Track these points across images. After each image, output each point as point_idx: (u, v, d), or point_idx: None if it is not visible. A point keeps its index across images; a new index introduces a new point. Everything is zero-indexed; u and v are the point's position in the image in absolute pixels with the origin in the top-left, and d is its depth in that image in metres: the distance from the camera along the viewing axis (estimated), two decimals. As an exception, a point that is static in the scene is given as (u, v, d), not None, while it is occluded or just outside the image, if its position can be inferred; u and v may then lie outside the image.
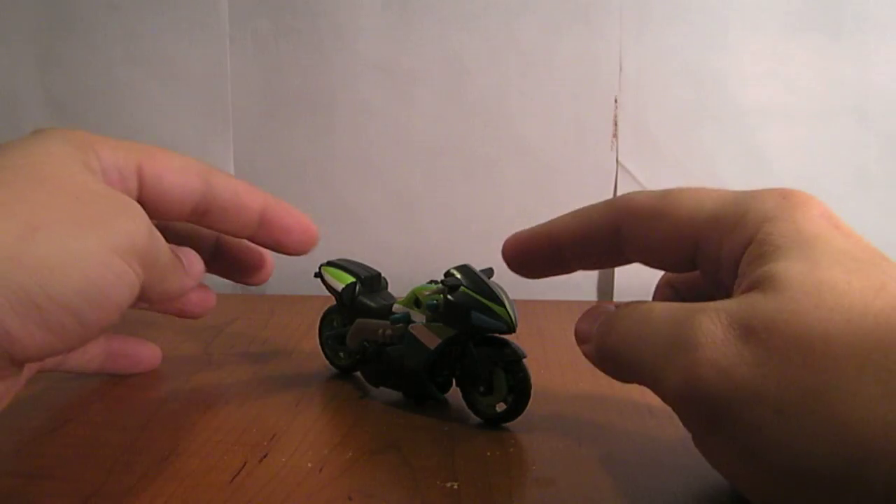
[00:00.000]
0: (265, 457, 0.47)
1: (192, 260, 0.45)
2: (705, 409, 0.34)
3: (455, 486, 0.43)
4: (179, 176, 0.43)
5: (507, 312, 0.49)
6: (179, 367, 0.63)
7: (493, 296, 0.50)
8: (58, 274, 0.32)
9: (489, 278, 0.52)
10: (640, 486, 0.44)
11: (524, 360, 0.50)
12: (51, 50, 0.90)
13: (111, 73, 0.90)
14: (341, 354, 0.62)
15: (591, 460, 0.47)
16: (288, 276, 0.91)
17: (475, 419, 0.52)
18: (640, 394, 0.58)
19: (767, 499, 0.33)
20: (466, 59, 0.88)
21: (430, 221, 0.91)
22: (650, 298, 0.88)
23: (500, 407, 0.51)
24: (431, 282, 0.54)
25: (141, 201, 0.42)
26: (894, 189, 0.87)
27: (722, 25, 0.85)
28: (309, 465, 0.46)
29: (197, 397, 0.57)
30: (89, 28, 0.90)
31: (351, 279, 0.59)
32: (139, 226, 0.37)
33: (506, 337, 0.51)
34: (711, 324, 0.34)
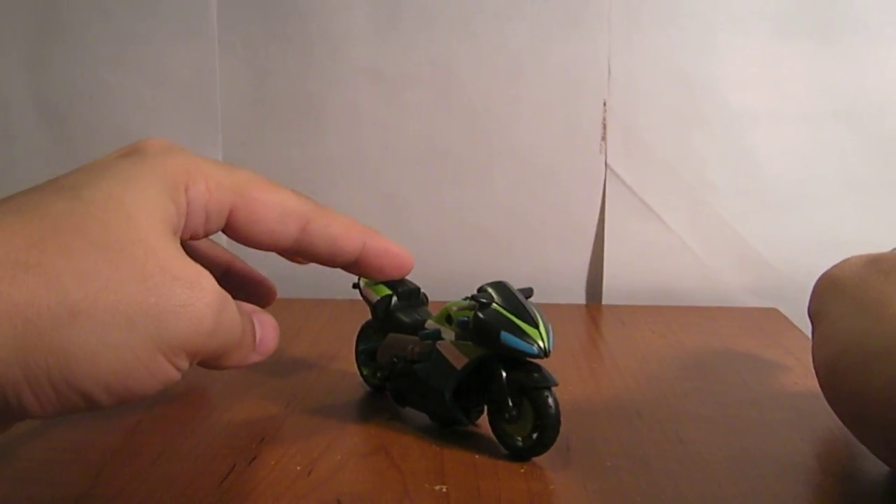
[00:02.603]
0: (254, 460, 0.47)
1: (268, 333, 0.42)
2: None
3: (444, 489, 0.43)
4: (274, 223, 0.40)
5: (541, 335, 0.45)
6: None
7: (527, 316, 0.46)
8: (86, 366, 0.31)
9: (527, 298, 0.48)
10: (630, 490, 0.44)
11: (554, 389, 0.46)
12: (40, 54, 0.90)
13: (101, 77, 0.90)
14: (373, 371, 0.59)
15: (580, 464, 0.47)
16: (277, 279, 0.91)
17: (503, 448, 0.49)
18: (629, 397, 0.58)
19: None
20: (456, 63, 0.88)
21: (420, 225, 0.91)
22: (638, 302, 0.88)
23: (529, 439, 0.47)
24: (466, 298, 0.49)
25: (224, 233, 0.40)
26: (883, 192, 0.87)
27: (711, 29, 0.85)
28: (298, 468, 0.46)
29: (186, 401, 0.57)
30: (79, 32, 0.89)
31: (387, 292, 0.56)
32: (203, 323, 0.34)
33: (539, 362, 0.47)
34: None
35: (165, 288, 0.33)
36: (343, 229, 0.43)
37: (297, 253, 0.43)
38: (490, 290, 0.48)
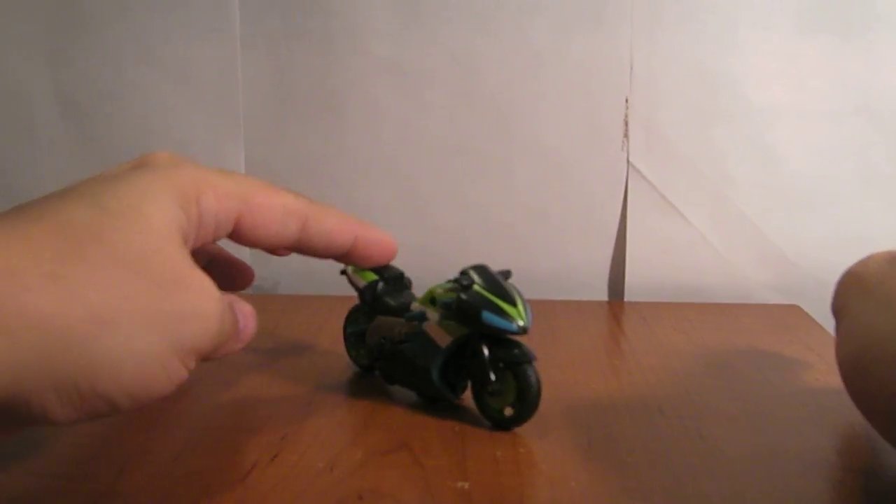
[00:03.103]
0: (276, 456, 0.47)
1: (248, 322, 0.43)
2: None
3: (466, 486, 0.44)
4: (277, 226, 0.42)
5: (520, 313, 0.49)
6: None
7: (507, 296, 0.49)
8: (111, 373, 0.32)
9: (506, 279, 0.51)
10: (651, 487, 0.44)
11: (534, 364, 0.50)
12: (62, 50, 0.91)
13: (122, 73, 0.91)
14: (362, 352, 0.62)
15: (601, 461, 0.47)
16: (300, 275, 0.92)
17: (486, 420, 0.52)
18: (651, 393, 0.58)
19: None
20: (478, 59, 0.88)
21: (441, 220, 0.91)
22: (660, 299, 0.88)
23: (508, 411, 0.51)
24: (450, 281, 0.53)
25: (231, 238, 0.41)
26: (905, 188, 0.87)
27: (732, 25, 0.85)
28: (320, 464, 0.46)
29: (208, 397, 0.57)
30: (100, 28, 0.90)
31: (374, 277, 0.59)
32: (212, 326, 0.36)
33: (519, 339, 0.50)
34: None
35: (179, 296, 0.35)
36: (337, 224, 0.45)
37: (296, 250, 0.45)
38: (472, 272, 0.51)
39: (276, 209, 0.42)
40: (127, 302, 0.33)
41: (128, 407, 0.33)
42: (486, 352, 0.50)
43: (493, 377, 0.50)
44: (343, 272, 0.61)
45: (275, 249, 0.45)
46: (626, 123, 0.87)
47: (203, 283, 0.36)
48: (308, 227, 0.43)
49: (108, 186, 0.36)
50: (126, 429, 0.51)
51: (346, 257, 0.46)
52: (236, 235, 0.41)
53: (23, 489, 0.44)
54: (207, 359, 0.38)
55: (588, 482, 0.44)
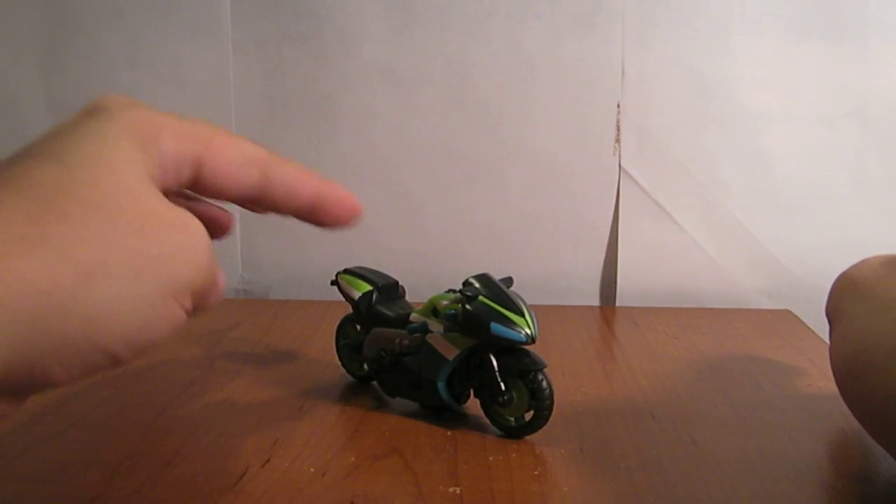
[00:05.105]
0: (268, 462, 0.47)
1: (222, 275, 0.43)
2: None
3: (458, 491, 0.44)
4: (237, 171, 0.41)
5: (527, 322, 0.48)
6: (182, 372, 0.63)
7: (513, 305, 0.49)
8: (108, 324, 0.32)
9: (508, 287, 0.51)
10: (643, 492, 0.44)
11: (545, 370, 0.50)
12: (54, 54, 0.91)
13: (114, 77, 0.90)
14: (356, 364, 0.61)
15: (593, 466, 0.47)
16: (292, 281, 0.91)
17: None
18: (643, 398, 0.58)
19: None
20: (470, 63, 0.88)
21: (433, 225, 0.91)
22: (652, 304, 0.88)
23: (521, 419, 0.50)
24: (450, 290, 0.53)
25: (192, 189, 0.40)
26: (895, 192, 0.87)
27: (724, 30, 0.85)
28: (312, 469, 0.46)
29: (199, 402, 0.57)
30: (92, 32, 0.90)
31: (368, 287, 0.58)
32: (202, 261, 0.36)
33: (526, 347, 0.50)
34: None
35: (163, 236, 0.34)
36: (298, 172, 0.44)
37: (258, 200, 0.43)
38: (475, 282, 0.51)
39: (235, 153, 0.41)
40: (110, 250, 0.32)
41: (128, 357, 0.33)
42: (495, 363, 0.50)
43: (503, 387, 0.49)
44: (334, 282, 0.60)
45: (239, 201, 0.43)
46: (618, 128, 0.87)
47: (185, 219, 0.36)
48: (269, 175, 0.42)
49: (65, 140, 0.35)
50: (117, 434, 0.51)
51: (309, 214, 0.45)
52: (197, 183, 0.40)
53: (14, 495, 0.44)
54: (199, 308, 0.37)
55: (580, 487, 0.44)
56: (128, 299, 0.32)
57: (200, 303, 0.37)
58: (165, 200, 0.36)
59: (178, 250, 0.34)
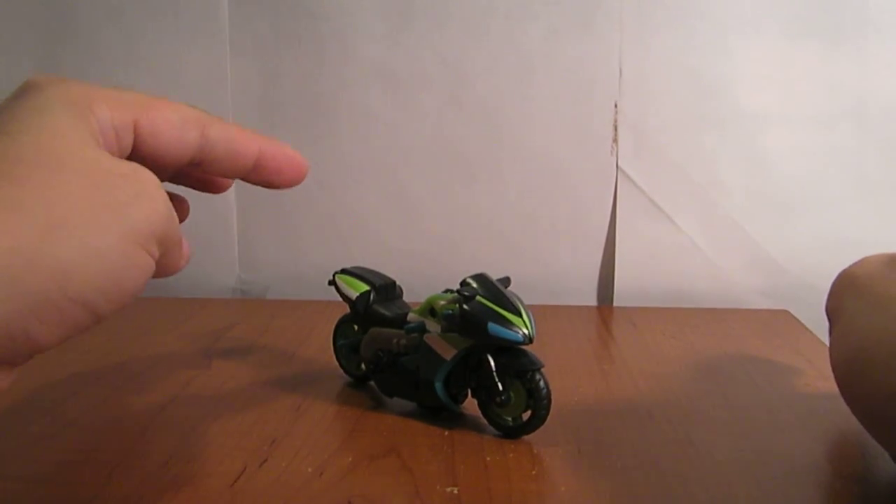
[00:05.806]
0: (265, 462, 0.47)
1: (185, 242, 0.44)
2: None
3: (455, 491, 0.43)
4: (176, 131, 0.41)
5: (524, 322, 0.48)
6: (179, 372, 0.63)
7: (510, 305, 0.49)
8: (79, 273, 0.32)
9: (506, 287, 0.51)
10: (640, 492, 0.44)
11: (542, 370, 0.49)
12: (51, 55, 0.90)
13: (111, 77, 0.90)
14: (354, 364, 0.61)
15: (591, 466, 0.47)
16: (288, 280, 0.91)
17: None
18: (640, 398, 0.58)
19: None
20: (468, 64, 0.88)
21: (431, 225, 0.91)
22: (650, 303, 0.88)
23: (519, 419, 0.50)
24: (447, 290, 0.53)
25: (135, 157, 0.40)
26: (893, 193, 0.87)
27: (722, 31, 0.85)
28: (309, 469, 0.46)
29: (196, 402, 0.57)
30: (90, 33, 0.90)
31: (365, 287, 0.58)
32: (159, 206, 0.36)
33: (523, 347, 0.50)
34: None
35: (116, 186, 0.35)
36: (239, 131, 0.44)
37: (200, 163, 0.43)
38: (472, 282, 0.51)
39: (172, 115, 0.41)
40: (67, 204, 0.33)
41: (106, 308, 0.33)
42: (492, 363, 0.50)
43: (500, 387, 0.49)
44: (331, 282, 0.60)
45: (183, 165, 0.43)
46: (616, 128, 0.87)
47: (135, 168, 0.36)
48: (209, 135, 0.42)
49: (3, 115, 0.36)
50: (114, 434, 0.51)
51: (255, 173, 0.45)
52: (139, 149, 0.40)
53: (11, 495, 0.43)
54: (164, 265, 0.38)
55: (578, 487, 0.44)
56: (94, 249, 0.33)
57: (167, 253, 0.38)
58: (110, 155, 0.36)
59: (133, 197, 0.35)
